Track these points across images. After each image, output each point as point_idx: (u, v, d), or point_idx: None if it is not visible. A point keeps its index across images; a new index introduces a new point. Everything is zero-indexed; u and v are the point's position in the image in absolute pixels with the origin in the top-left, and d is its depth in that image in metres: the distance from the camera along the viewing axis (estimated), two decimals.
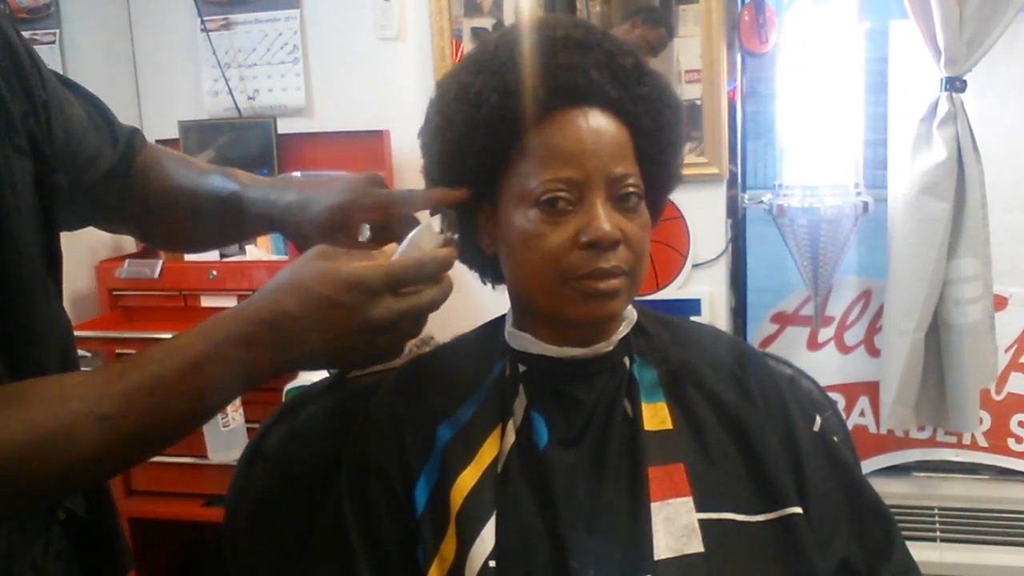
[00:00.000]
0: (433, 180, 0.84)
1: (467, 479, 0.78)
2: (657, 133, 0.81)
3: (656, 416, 0.82)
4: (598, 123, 0.77)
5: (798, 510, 0.80)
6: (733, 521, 0.78)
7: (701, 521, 0.77)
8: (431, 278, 0.72)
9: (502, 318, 0.89)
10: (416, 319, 0.73)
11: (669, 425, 0.81)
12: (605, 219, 0.76)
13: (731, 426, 0.82)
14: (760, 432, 0.82)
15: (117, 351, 1.99)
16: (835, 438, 0.90)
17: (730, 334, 0.97)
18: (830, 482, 0.85)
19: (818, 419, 0.89)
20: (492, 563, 0.75)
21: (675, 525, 0.76)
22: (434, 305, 0.73)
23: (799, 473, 0.82)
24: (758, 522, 0.79)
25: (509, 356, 0.85)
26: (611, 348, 0.83)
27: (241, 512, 0.95)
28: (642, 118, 0.80)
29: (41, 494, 0.67)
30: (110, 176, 0.90)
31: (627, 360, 0.85)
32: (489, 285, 0.90)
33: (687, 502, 0.77)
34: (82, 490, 0.69)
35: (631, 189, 0.78)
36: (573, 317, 0.79)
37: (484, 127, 0.78)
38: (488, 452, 0.80)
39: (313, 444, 0.94)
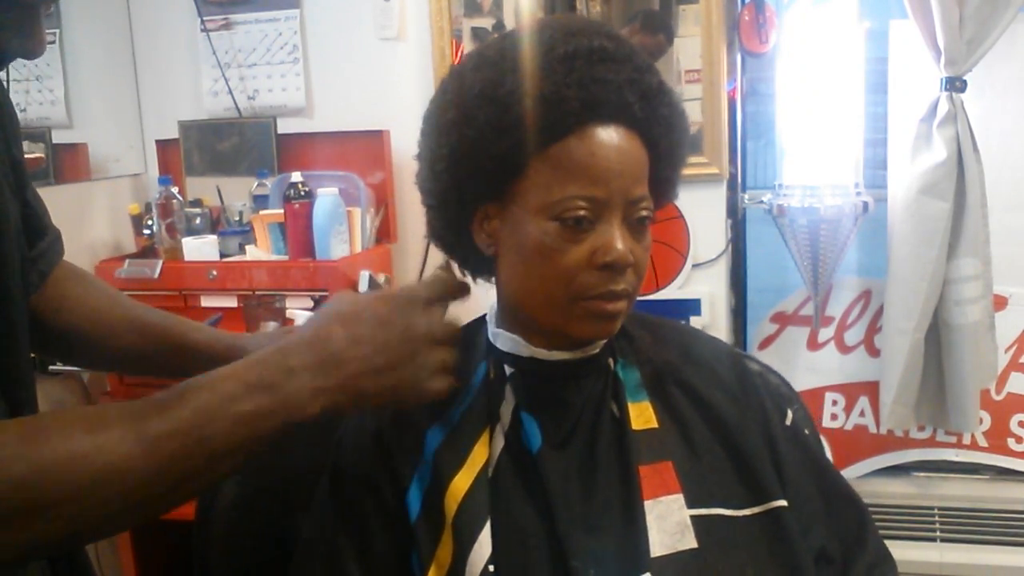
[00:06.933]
0: (436, 172, 0.80)
1: (460, 483, 0.78)
2: (670, 153, 0.81)
3: (642, 415, 0.82)
4: (624, 143, 0.76)
5: (783, 503, 0.81)
6: (722, 516, 0.79)
7: (692, 517, 0.78)
8: (453, 294, 0.78)
9: (481, 319, 0.89)
10: (449, 339, 0.75)
11: (655, 424, 0.82)
12: (621, 241, 0.75)
13: (713, 422, 0.83)
14: (741, 427, 0.83)
15: None
16: (805, 431, 0.92)
17: (706, 332, 0.97)
18: (804, 474, 0.86)
19: (789, 413, 0.90)
20: (491, 567, 0.75)
21: (668, 522, 0.77)
22: (457, 324, 0.77)
23: (777, 466, 0.84)
24: (746, 516, 0.80)
25: (492, 358, 0.85)
26: (597, 350, 0.84)
27: (211, 527, 0.92)
28: (661, 139, 0.79)
29: (81, 515, 0.60)
30: (29, 264, 0.85)
31: (611, 361, 0.85)
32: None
33: (678, 499, 0.78)
34: (130, 524, 0.64)
35: (645, 212, 0.77)
36: (575, 334, 0.79)
37: (509, 131, 0.75)
38: (479, 455, 0.80)
39: (290, 454, 0.92)
